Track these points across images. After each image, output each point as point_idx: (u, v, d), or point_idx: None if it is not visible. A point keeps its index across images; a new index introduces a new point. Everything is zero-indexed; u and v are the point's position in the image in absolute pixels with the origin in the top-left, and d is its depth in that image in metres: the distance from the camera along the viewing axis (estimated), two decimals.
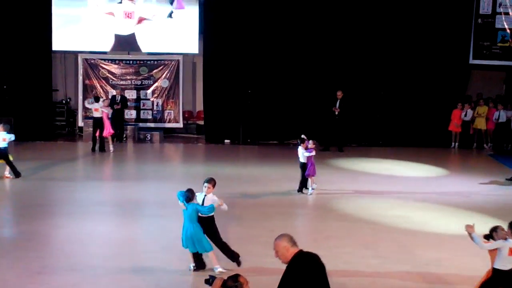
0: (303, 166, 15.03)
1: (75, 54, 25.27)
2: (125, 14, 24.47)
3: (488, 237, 7.78)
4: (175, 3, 23.86)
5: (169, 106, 25.25)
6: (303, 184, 15.19)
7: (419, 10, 23.13)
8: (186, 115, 25.90)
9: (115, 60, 25.17)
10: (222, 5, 23.61)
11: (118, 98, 23.62)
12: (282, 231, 11.53)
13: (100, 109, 21.18)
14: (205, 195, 9.62)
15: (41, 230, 11.65)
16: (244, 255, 9.84)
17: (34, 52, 23.48)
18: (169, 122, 25.29)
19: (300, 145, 15.08)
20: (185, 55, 25.23)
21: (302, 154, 14.94)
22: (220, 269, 9.36)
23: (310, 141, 14.98)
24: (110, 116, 21.50)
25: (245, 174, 17.51)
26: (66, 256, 10.24)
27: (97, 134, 20.99)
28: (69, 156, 20.52)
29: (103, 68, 25.10)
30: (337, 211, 13.48)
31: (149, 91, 25.18)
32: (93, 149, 21.05)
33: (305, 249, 6.09)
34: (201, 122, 25.58)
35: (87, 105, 22.87)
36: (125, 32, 24.53)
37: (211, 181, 9.69)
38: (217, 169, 17.61)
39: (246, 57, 23.52)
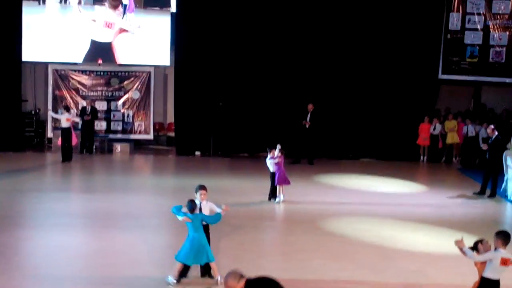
0: (272, 175, 15.22)
1: (45, 64, 25.09)
2: (106, 23, 24.35)
3: (472, 249, 7.93)
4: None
5: (140, 118, 25.16)
6: (273, 193, 15.34)
7: (389, 24, 23.39)
8: (157, 127, 25.83)
9: (85, 71, 25.03)
10: (193, 17, 23.62)
11: (88, 109, 23.49)
12: (252, 244, 11.62)
13: (71, 119, 21.18)
14: (200, 203, 9.50)
15: (7, 242, 11.49)
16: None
17: (4, 62, 23.25)
18: (139, 133, 25.19)
19: (268, 154, 15.21)
20: (156, 66, 25.18)
21: (270, 163, 15.11)
22: (219, 279, 9.20)
23: (277, 149, 15.17)
24: (79, 127, 21.48)
25: (216, 186, 17.38)
26: (33, 268, 10.11)
27: (66, 143, 20.96)
28: (37, 167, 20.32)
29: (74, 79, 24.95)
30: (306, 224, 13.50)
31: (120, 102, 25.07)
32: (64, 160, 20.90)
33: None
34: (172, 134, 25.53)
35: (55, 116, 22.70)
36: (102, 40, 24.39)
37: (204, 187, 9.58)
38: (187, 181, 17.54)
39: (217, 69, 23.55)
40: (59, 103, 24.65)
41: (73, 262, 10.51)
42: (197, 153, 23.70)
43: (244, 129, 23.58)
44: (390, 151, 23.55)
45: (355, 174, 20.47)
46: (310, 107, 22.05)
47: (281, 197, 15.28)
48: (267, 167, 15.39)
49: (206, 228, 9.54)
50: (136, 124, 25.15)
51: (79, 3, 24.16)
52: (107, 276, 9.74)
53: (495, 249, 7.87)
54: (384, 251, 11.63)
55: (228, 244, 11.63)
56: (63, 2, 24.19)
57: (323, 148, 23.34)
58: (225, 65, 23.54)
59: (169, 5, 24.41)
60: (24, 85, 24.72)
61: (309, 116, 22.02)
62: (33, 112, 25.23)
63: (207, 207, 9.55)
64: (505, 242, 7.87)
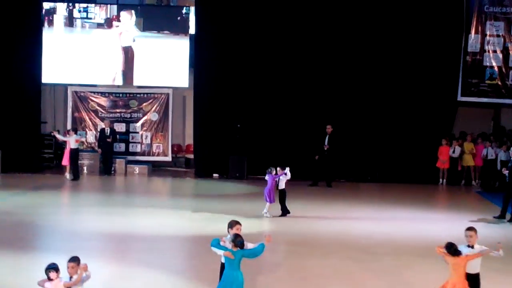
0: (281, 192, 15.86)
1: (64, 86, 25.29)
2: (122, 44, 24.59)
3: (454, 252, 8.29)
4: None
5: (158, 140, 25.23)
6: (284, 209, 15.86)
7: (408, 47, 23.33)
8: (175, 149, 25.88)
9: (104, 93, 25.19)
10: (212, 39, 23.73)
11: (108, 131, 23.58)
12: (270, 268, 11.51)
13: (79, 140, 21.99)
14: None
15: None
16: None
17: (24, 84, 23.46)
18: (158, 155, 25.24)
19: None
20: (175, 88, 25.28)
21: (280, 181, 15.70)
22: None
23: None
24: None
25: (233, 209, 17.41)
26: None
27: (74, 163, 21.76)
28: (54, 187, 20.47)
29: (93, 100, 25.11)
30: (324, 248, 13.37)
31: (138, 124, 25.16)
32: (75, 179, 21.54)
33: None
34: (190, 156, 25.56)
35: (62, 138, 22.62)
36: (119, 59, 24.63)
37: (239, 223, 8.79)
38: (205, 204, 17.54)
39: (235, 91, 23.59)
40: (78, 125, 24.82)
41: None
42: (215, 175, 23.66)
43: (262, 151, 23.53)
44: (409, 174, 23.37)
45: (373, 198, 20.34)
46: (329, 128, 22.01)
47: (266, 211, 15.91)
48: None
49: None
50: (154, 146, 25.21)
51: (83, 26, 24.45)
52: None
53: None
54: (403, 277, 11.47)
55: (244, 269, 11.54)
56: (77, 25, 24.45)
57: (341, 170, 23.22)
58: (243, 86, 23.58)
59: (186, 31, 24.57)
60: (43, 106, 24.92)
61: (327, 138, 21.97)
62: (52, 134, 25.38)
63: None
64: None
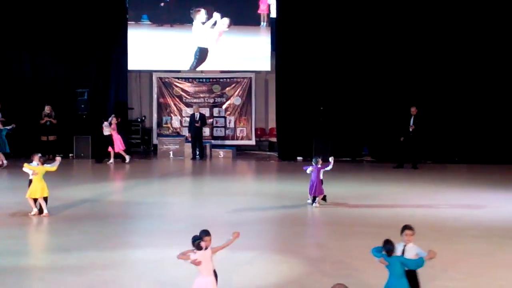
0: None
1: (149, 73, 25.79)
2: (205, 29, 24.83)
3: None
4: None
5: (242, 124, 25.43)
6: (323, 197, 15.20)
7: (499, 23, 22.59)
8: (259, 132, 26.00)
9: (188, 78, 25.54)
10: (294, 22, 23.65)
11: (197, 116, 23.88)
12: (355, 250, 11.43)
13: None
14: (405, 245, 8.19)
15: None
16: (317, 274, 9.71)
17: (111, 72, 24.08)
18: (241, 139, 25.46)
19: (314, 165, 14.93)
20: (257, 72, 25.37)
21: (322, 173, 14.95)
22: None
23: (319, 159, 15.16)
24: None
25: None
26: None
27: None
28: (143, 173, 20.96)
29: (177, 86, 25.52)
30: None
31: (222, 108, 25.40)
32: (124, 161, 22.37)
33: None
34: (274, 139, 25.63)
35: (108, 128, 22.50)
36: (203, 46, 24.96)
37: (411, 228, 8.26)
38: (290, 186, 17.56)
39: (318, 73, 23.45)
40: (163, 110, 25.31)
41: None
42: (299, 158, 23.66)
43: (346, 133, 23.36)
44: (498, 154, 22.64)
45: (461, 179, 19.89)
46: (414, 110, 21.63)
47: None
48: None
49: (414, 275, 8.26)
50: (238, 130, 25.43)
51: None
52: None
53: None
54: (494, 260, 11.17)
55: (333, 252, 11.52)
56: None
57: (427, 152, 22.78)
58: (326, 69, 23.42)
59: (258, 23, 24.58)
60: (130, 93, 25.49)
61: (412, 119, 21.60)
62: (139, 120, 25.96)
63: (412, 251, 8.15)
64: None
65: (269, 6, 24.76)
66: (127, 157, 22.49)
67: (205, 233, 8.03)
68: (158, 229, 13.12)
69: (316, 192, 14.95)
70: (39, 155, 14.09)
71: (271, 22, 24.57)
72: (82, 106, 23.28)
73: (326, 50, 23.39)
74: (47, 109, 23.13)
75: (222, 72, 25.49)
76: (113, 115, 22.50)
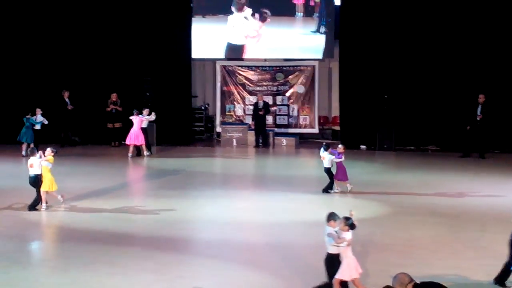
0: (328, 171, 15.14)
1: (213, 61, 25.94)
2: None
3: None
4: None
5: (305, 112, 25.34)
6: (329, 186, 15.25)
7: None
8: (322, 121, 25.86)
9: (251, 66, 25.58)
10: (358, 10, 23.39)
11: (261, 104, 23.92)
12: (419, 239, 11.29)
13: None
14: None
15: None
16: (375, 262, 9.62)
17: (176, 61, 24.30)
18: (304, 127, 25.38)
19: (325, 151, 15.00)
20: (321, 60, 25.23)
21: (329, 159, 14.97)
22: None
23: (340, 146, 15.42)
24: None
25: (382, 181, 17.23)
26: None
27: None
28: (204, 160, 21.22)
29: (240, 74, 25.58)
30: (475, 221, 12.90)
31: (285, 96, 25.37)
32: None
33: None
34: (337, 128, 25.43)
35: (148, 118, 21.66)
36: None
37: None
38: (351, 176, 17.46)
39: (382, 61, 23.12)
40: (227, 98, 25.45)
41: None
42: (362, 146, 23.44)
43: (410, 122, 23.00)
44: None
45: None
46: (481, 98, 21.15)
47: (336, 190, 15.28)
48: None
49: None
50: (301, 118, 25.35)
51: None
52: None
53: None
54: None
55: (394, 240, 11.41)
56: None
57: (495, 141, 22.23)
58: (390, 57, 23.07)
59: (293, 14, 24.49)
60: (194, 81, 25.70)
61: (479, 107, 21.12)
62: (202, 108, 26.16)
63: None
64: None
65: None
66: (146, 152, 21.34)
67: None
68: None
69: (345, 177, 15.31)
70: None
71: (335, 10, 24.31)
72: (147, 94, 23.56)
73: (390, 37, 23.03)
74: (113, 97, 23.47)
75: (285, 60, 25.42)
76: (147, 109, 21.87)
